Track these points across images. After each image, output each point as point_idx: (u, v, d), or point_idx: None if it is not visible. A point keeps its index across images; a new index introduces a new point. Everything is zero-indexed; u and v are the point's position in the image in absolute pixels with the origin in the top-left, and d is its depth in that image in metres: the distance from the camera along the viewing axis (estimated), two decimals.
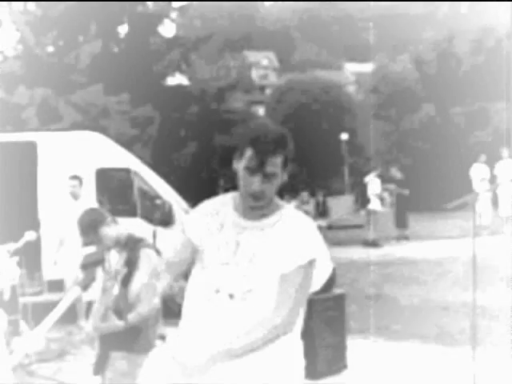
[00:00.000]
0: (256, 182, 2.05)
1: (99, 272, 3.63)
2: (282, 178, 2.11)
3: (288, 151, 2.10)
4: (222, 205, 2.27)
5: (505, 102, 24.45)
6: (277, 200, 2.19)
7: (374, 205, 14.73)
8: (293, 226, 2.12)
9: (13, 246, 5.48)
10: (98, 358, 3.64)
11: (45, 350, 6.43)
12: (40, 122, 15.29)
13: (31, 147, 8.91)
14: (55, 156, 8.92)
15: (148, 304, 3.53)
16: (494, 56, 26.57)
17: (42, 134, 10.31)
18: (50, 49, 18.05)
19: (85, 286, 3.19)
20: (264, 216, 2.16)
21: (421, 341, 6.35)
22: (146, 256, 3.58)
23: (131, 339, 3.56)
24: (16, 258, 5.15)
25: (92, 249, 3.63)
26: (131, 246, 3.64)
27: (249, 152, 2.04)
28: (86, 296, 3.83)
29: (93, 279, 3.31)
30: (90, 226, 3.59)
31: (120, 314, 3.50)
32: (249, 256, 2.12)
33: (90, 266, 3.41)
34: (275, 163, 2.05)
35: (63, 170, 8.83)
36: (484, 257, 8.92)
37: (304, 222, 2.16)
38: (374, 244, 14.45)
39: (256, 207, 2.13)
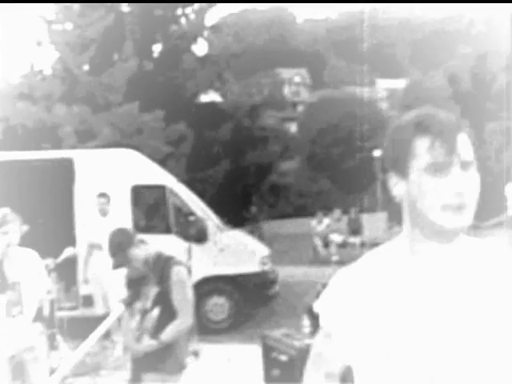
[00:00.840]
0: (458, 178, 1.34)
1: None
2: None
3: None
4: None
5: None
6: None
7: None
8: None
9: (52, 262, 5.58)
10: (131, 379, 3.65)
11: (80, 364, 6.51)
12: (77, 140, 15.57)
13: (68, 165, 9.09)
14: (91, 173, 9.08)
15: (181, 322, 3.55)
16: None
17: (79, 151, 10.52)
18: (87, 67, 18.40)
19: (129, 303, 3.22)
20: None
21: None
22: (176, 274, 3.58)
23: (162, 359, 3.55)
24: (55, 274, 5.25)
25: (124, 270, 3.65)
26: (162, 265, 3.63)
27: (426, 142, 1.36)
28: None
29: (137, 296, 3.34)
30: (118, 247, 3.58)
31: (153, 333, 3.51)
32: None
33: (134, 283, 3.42)
34: (468, 146, 1.39)
35: (99, 187, 8.98)
36: None
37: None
38: None
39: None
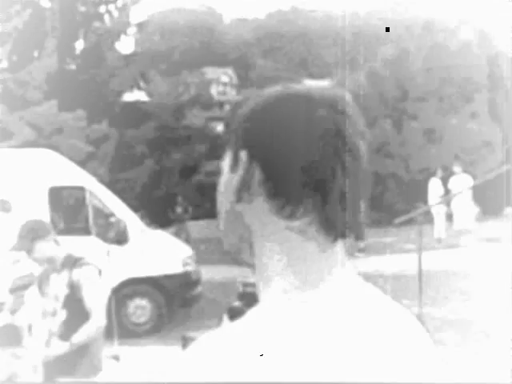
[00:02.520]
0: None
1: (34, 295, 3.56)
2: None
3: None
4: None
5: (457, 118, 25.11)
6: None
7: None
8: None
9: None
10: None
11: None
12: None
13: None
14: (6, 174, 8.77)
15: (93, 323, 3.48)
16: (447, 73, 27.29)
17: None
18: (4, 64, 17.77)
19: (13, 310, 3.14)
20: None
21: None
22: (85, 274, 3.52)
23: (75, 362, 3.48)
24: None
25: (21, 271, 3.57)
26: (70, 266, 3.57)
27: None
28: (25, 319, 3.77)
29: (21, 303, 3.26)
30: (28, 233, 3.52)
31: (64, 336, 3.43)
32: None
33: (18, 289, 3.35)
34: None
35: (16, 188, 8.70)
36: (438, 270, 9.09)
37: None
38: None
39: None
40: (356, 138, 0.99)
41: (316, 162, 0.90)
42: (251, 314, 0.91)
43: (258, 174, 0.91)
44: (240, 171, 0.94)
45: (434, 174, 15.40)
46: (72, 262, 3.59)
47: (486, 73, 25.83)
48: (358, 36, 55.90)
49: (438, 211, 13.35)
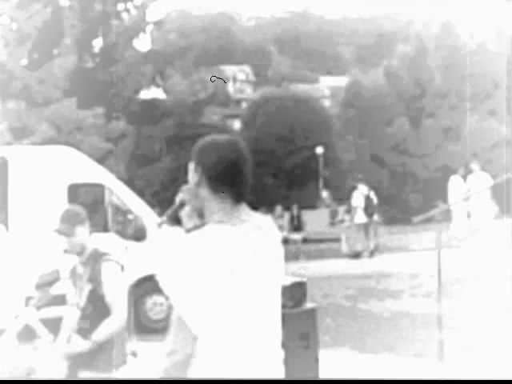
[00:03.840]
0: None
1: (63, 290, 3.60)
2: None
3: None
4: None
5: (477, 115, 24.92)
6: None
7: (361, 217, 14.64)
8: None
9: None
10: (67, 376, 3.60)
11: (13, 369, 6.34)
12: (12, 137, 15.14)
13: (2, 162, 8.83)
14: (26, 171, 8.85)
15: (113, 320, 3.49)
16: (462, 70, 27.07)
17: (13, 148, 10.24)
18: (24, 62, 17.92)
19: (39, 306, 3.16)
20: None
21: (394, 353, 6.39)
22: (107, 270, 3.55)
23: (96, 357, 3.49)
24: None
25: (48, 269, 3.60)
26: (95, 261, 3.61)
27: None
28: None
29: (48, 299, 3.28)
30: (70, 218, 3.62)
31: (84, 331, 3.46)
32: None
33: (44, 285, 3.37)
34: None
35: (35, 185, 8.78)
36: (458, 269, 9.01)
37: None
38: (357, 256, 14.62)
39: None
40: (247, 165, 2.16)
41: (228, 171, 2.11)
42: (204, 228, 2.08)
43: (203, 177, 2.12)
44: (196, 175, 2.13)
45: (452, 172, 15.24)
46: (97, 257, 3.63)
47: (504, 70, 25.57)
48: (376, 34, 55.65)
49: (459, 209, 13.20)
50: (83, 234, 3.63)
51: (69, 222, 3.61)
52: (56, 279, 3.46)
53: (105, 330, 3.45)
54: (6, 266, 6.72)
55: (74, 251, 3.66)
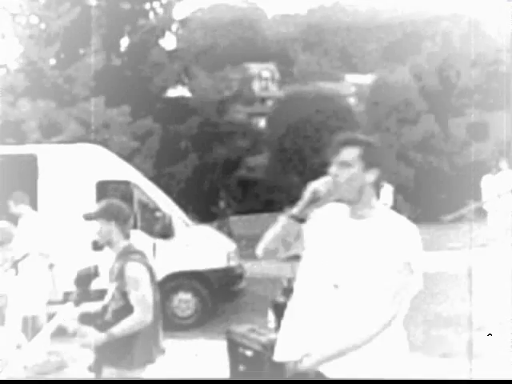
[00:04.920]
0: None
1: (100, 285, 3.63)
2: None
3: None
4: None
5: (504, 113, 24.55)
6: (373, 202, 2.58)
7: None
8: (392, 228, 2.46)
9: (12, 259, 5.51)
10: (92, 369, 3.63)
11: (44, 364, 6.42)
12: (41, 135, 15.35)
13: (32, 160, 8.97)
14: (56, 169, 8.98)
15: (134, 318, 3.51)
16: (493, 68, 26.71)
17: (43, 146, 10.38)
18: (52, 62, 18.13)
19: (77, 302, 3.19)
20: (362, 217, 2.55)
21: (424, 353, 6.35)
22: (130, 270, 3.56)
23: (121, 354, 3.53)
24: (13, 271, 5.18)
25: (85, 264, 3.64)
26: (123, 258, 3.64)
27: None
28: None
29: (86, 295, 3.31)
30: (113, 210, 3.71)
31: (107, 326, 3.49)
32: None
33: (83, 281, 3.40)
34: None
35: (64, 182, 8.90)
36: (489, 269, 8.90)
37: (404, 224, 2.49)
38: None
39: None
40: None
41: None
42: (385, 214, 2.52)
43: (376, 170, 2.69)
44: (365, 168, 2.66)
45: (479, 170, 15.04)
46: (125, 255, 3.66)
47: None
48: (402, 29, 55.18)
49: (493, 208, 12.98)
50: (118, 230, 3.67)
51: (107, 212, 3.69)
52: (95, 275, 3.50)
53: (122, 326, 3.47)
54: (36, 260, 6.82)
55: (102, 242, 3.73)
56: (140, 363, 3.59)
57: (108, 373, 3.56)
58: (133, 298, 3.50)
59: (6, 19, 18.39)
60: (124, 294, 3.51)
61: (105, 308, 3.57)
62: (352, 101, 39.75)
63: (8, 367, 2.65)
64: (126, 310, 3.49)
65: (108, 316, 3.52)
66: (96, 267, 3.55)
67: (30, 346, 2.71)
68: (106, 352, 3.50)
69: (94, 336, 3.44)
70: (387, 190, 14.48)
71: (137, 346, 3.55)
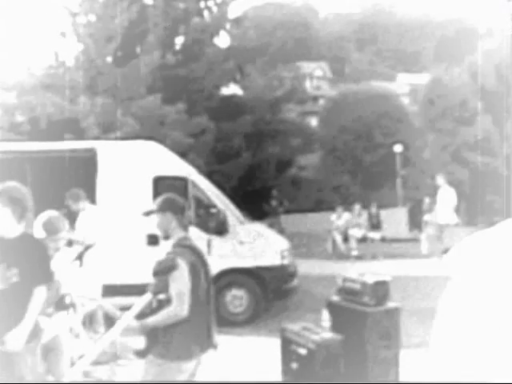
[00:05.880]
0: None
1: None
2: None
3: None
4: None
5: None
6: None
7: (449, 218, 13.80)
8: None
9: (73, 251, 5.65)
10: (139, 353, 3.68)
11: (100, 354, 6.56)
12: (99, 131, 15.70)
13: (91, 155, 9.17)
14: (114, 164, 9.15)
15: (169, 311, 3.56)
16: None
17: (102, 142, 10.57)
18: (110, 59, 18.50)
19: (156, 293, 3.24)
20: None
21: None
22: (173, 263, 3.63)
23: (166, 346, 3.59)
24: (77, 262, 5.32)
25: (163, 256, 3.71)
26: (172, 250, 3.74)
27: None
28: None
29: (165, 286, 3.36)
30: (169, 202, 3.85)
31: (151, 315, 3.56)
32: None
33: (161, 272, 3.46)
34: None
35: (121, 178, 9.07)
36: None
37: None
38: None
39: None
40: None
41: None
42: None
43: None
44: None
45: None
46: (175, 247, 3.74)
47: None
48: (456, 28, 54.01)
49: None
50: (170, 218, 3.77)
51: (161, 205, 3.81)
52: (173, 267, 3.55)
53: (157, 317, 3.54)
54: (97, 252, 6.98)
55: (162, 234, 3.85)
56: (183, 357, 3.63)
57: (149, 360, 3.63)
58: (172, 291, 3.56)
59: (67, 18, 18.89)
60: (167, 286, 3.56)
61: (154, 297, 3.65)
62: (405, 100, 39.19)
63: (84, 360, 2.72)
64: (168, 301, 3.55)
65: (154, 305, 3.59)
66: (174, 259, 3.61)
67: (107, 337, 2.76)
68: (151, 340, 3.58)
69: (129, 323, 3.55)
70: (450, 192, 13.98)
71: (179, 338, 3.59)
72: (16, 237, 3.91)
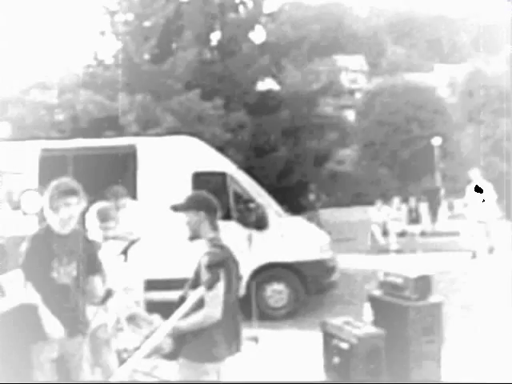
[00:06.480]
0: None
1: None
2: None
3: None
4: None
5: None
6: None
7: (489, 214, 13.33)
8: None
9: (119, 245, 5.73)
10: (168, 356, 3.54)
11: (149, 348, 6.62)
12: (139, 127, 15.88)
13: (132, 151, 9.29)
14: (154, 160, 9.25)
15: (201, 314, 3.45)
16: None
17: (142, 138, 10.69)
18: (147, 57, 18.68)
19: (209, 286, 3.18)
20: None
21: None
22: (203, 265, 3.49)
23: (196, 348, 3.51)
24: (123, 257, 5.40)
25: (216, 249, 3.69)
26: (205, 251, 3.63)
27: None
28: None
29: (217, 279, 3.31)
30: (202, 201, 3.75)
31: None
32: None
33: (215, 265, 3.39)
34: None
35: (161, 174, 9.17)
36: None
37: None
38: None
39: None
40: None
41: None
42: None
43: None
44: None
45: None
46: (207, 247, 3.64)
47: None
48: (496, 17, 52.90)
49: None
50: (201, 218, 3.66)
51: (193, 203, 3.70)
52: (226, 260, 3.50)
53: (190, 320, 3.41)
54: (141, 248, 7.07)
55: (191, 233, 3.71)
56: (212, 359, 3.55)
57: (180, 363, 3.55)
58: (205, 294, 3.42)
59: (106, 17, 19.17)
60: (219, 279, 3.42)
61: (182, 298, 3.52)
62: (444, 92, 38.59)
63: (138, 354, 2.75)
64: (200, 303, 3.42)
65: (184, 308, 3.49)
66: (228, 253, 3.58)
67: (160, 331, 2.76)
68: (179, 342, 3.48)
69: (160, 326, 3.36)
70: (487, 188, 13.58)
71: (210, 341, 3.51)
72: (69, 233, 4.04)
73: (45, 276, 3.91)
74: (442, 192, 15.80)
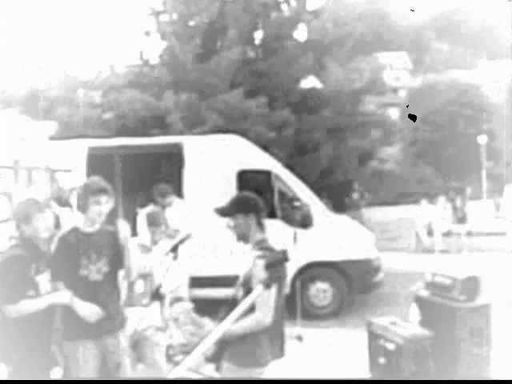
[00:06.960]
0: None
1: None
2: None
3: None
4: None
5: None
6: None
7: None
8: None
9: (169, 244, 5.81)
10: (209, 359, 3.50)
11: (188, 343, 6.73)
12: (184, 126, 16.02)
13: (178, 150, 9.40)
14: (200, 158, 9.34)
15: (252, 320, 3.36)
16: None
17: (188, 137, 10.80)
18: (192, 56, 18.83)
19: (267, 285, 3.15)
20: None
21: None
22: (256, 269, 3.37)
23: (239, 351, 3.45)
24: (172, 255, 5.46)
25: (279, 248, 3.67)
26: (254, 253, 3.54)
27: None
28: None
29: (275, 279, 3.24)
30: (251, 202, 3.63)
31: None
32: None
33: (273, 264, 3.36)
34: None
35: (207, 172, 9.26)
36: None
37: None
38: None
39: None
40: None
41: None
42: None
43: None
44: None
45: None
46: (256, 250, 3.54)
47: None
48: None
49: None
50: (251, 220, 3.56)
51: (242, 206, 3.59)
52: (285, 259, 3.47)
53: (241, 324, 3.30)
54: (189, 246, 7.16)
55: (239, 237, 3.62)
56: (258, 364, 3.46)
57: (225, 367, 3.49)
58: (257, 296, 3.19)
59: (151, 17, 19.40)
60: (250, 290, 3.27)
61: (234, 298, 3.48)
62: (489, 90, 37.82)
63: (194, 354, 2.77)
64: (251, 306, 3.25)
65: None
66: (287, 252, 3.58)
67: (217, 331, 2.76)
68: (224, 345, 3.39)
69: (214, 328, 3.27)
70: None
71: (255, 345, 3.44)
72: (97, 230, 4.14)
73: (74, 274, 3.99)
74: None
